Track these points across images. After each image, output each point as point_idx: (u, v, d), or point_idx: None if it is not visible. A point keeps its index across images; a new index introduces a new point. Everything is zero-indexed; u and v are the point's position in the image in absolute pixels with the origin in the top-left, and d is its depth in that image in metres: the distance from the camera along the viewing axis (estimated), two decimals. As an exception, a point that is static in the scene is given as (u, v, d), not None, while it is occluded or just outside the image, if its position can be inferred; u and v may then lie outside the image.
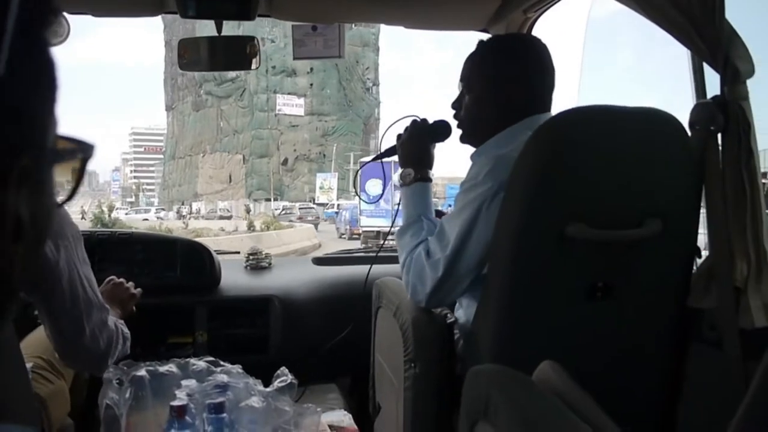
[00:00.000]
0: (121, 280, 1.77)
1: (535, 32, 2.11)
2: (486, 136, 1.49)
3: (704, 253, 1.38)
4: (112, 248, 2.20)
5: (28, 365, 1.38)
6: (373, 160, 1.84)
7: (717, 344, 1.30)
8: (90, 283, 1.34)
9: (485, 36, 2.16)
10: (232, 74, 52.71)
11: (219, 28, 2.12)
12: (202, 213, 50.18)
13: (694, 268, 1.39)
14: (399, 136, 1.65)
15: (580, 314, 1.31)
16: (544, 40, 1.57)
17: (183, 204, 58.23)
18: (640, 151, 1.26)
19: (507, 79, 1.47)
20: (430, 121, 1.65)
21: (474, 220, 1.34)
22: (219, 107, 60.61)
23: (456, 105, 1.59)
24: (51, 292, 1.26)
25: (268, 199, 51.03)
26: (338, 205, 40.62)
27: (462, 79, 1.57)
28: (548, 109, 1.51)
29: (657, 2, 1.34)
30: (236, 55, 2.18)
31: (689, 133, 1.32)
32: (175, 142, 68.36)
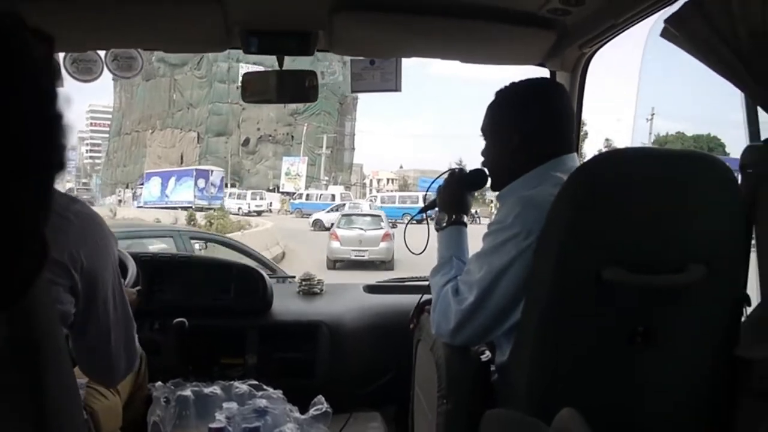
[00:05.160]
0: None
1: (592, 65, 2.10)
2: (510, 179, 1.50)
3: (754, 302, 1.32)
4: (170, 270, 2.31)
5: (84, 380, 1.48)
6: (419, 212, 1.89)
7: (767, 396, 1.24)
8: (121, 296, 1.35)
9: (541, 71, 2.18)
10: (187, 39, 45.03)
11: (281, 63, 2.22)
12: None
13: (744, 316, 1.33)
14: (439, 187, 1.71)
15: (618, 359, 1.27)
16: (600, 73, 1.58)
17: (128, 187, 48.12)
18: (682, 194, 1.22)
19: (518, 127, 1.49)
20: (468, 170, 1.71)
21: (503, 262, 1.34)
22: (172, 77, 48.97)
23: (483, 153, 1.63)
24: (90, 302, 1.26)
25: (225, 185, 42.15)
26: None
27: (482, 129, 1.61)
28: (572, 150, 1.53)
29: (711, 44, 1.31)
30: (297, 87, 2.27)
31: (738, 177, 1.28)
32: (121, 116, 55.54)
